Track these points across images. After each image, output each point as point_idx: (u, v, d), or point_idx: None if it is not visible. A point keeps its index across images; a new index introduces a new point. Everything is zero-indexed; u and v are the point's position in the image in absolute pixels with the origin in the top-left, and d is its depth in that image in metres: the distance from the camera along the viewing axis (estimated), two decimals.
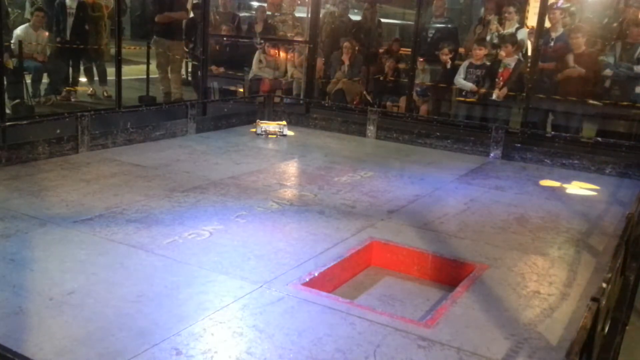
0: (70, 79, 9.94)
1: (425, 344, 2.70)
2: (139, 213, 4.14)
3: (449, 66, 8.68)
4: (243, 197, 4.69)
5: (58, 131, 5.80)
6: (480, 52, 8.26)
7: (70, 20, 9.54)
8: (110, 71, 9.46)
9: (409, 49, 9.47)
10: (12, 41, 8.80)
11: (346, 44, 9.64)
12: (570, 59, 7.92)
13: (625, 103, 7.79)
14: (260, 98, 8.56)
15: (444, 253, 3.75)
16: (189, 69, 11.35)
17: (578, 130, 8.03)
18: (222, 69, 10.68)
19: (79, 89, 9.98)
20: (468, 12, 11.18)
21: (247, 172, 5.42)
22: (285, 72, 10.57)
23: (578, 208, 4.99)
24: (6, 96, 7.20)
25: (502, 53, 8.20)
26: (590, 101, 7.92)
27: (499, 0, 8.83)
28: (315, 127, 7.83)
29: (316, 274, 3.32)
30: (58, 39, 9.52)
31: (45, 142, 5.42)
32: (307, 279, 3.25)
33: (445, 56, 8.70)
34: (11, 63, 8.33)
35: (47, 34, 9.36)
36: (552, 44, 8.10)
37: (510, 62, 8.13)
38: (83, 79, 10.34)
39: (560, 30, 8.11)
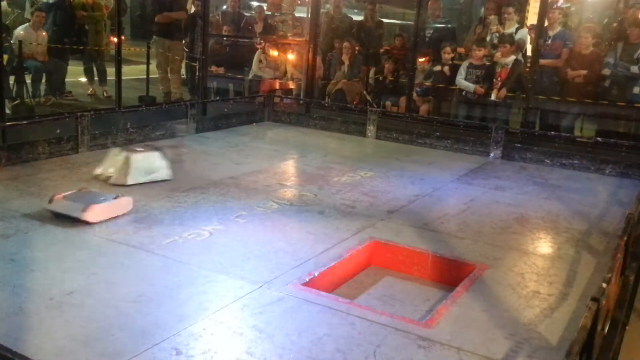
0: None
1: (425, 344, 2.70)
2: (139, 213, 4.14)
3: (447, 71, 8.65)
4: (243, 197, 4.69)
5: (58, 131, 5.80)
6: (479, 52, 8.25)
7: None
8: (110, 71, 9.46)
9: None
10: (12, 41, 8.80)
11: (346, 44, 9.63)
12: (565, 55, 7.95)
13: (623, 103, 7.79)
14: (261, 98, 8.58)
15: (444, 253, 3.76)
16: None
17: (573, 130, 8.04)
18: (221, 69, 10.67)
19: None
20: (468, 12, 11.18)
21: (247, 172, 5.42)
22: (285, 72, 10.57)
23: (578, 208, 4.99)
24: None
25: (498, 54, 8.20)
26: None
27: (499, 0, 8.82)
28: (315, 127, 7.83)
29: (316, 274, 3.32)
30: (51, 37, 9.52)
31: (45, 142, 5.42)
32: (307, 279, 3.25)
33: (448, 55, 8.69)
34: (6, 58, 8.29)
35: (45, 33, 9.36)
36: (549, 41, 8.11)
37: (508, 61, 8.13)
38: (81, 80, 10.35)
39: (558, 28, 8.13)
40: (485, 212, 4.70)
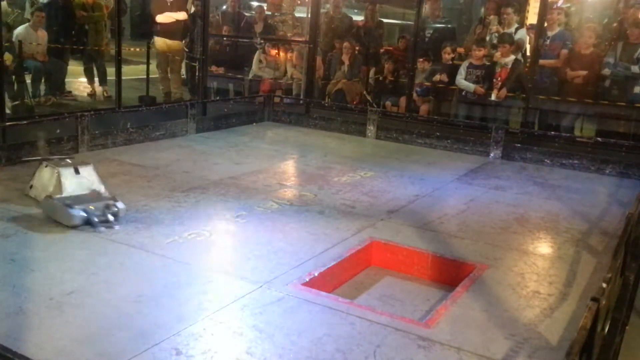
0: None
1: (425, 344, 2.70)
2: (139, 213, 4.14)
3: (445, 77, 8.64)
4: (243, 197, 4.69)
5: (58, 131, 5.81)
6: (479, 52, 8.25)
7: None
8: (110, 71, 9.45)
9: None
10: (13, 40, 8.80)
11: (346, 44, 9.63)
12: (564, 56, 7.96)
13: (623, 103, 7.79)
14: (261, 98, 8.57)
15: (444, 253, 3.76)
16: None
17: (573, 130, 8.04)
18: (221, 69, 10.66)
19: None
20: (468, 12, 11.17)
21: (247, 172, 5.42)
22: (285, 72, 10.57)
23: (578, 208, 4.99)
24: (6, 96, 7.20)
25: (498, 54, 8.20)
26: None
27: (499, 0, 8.82)
28: (315, 127, 7.83)
29: (316, 274, 3.32)
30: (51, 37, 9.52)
31: (45, 142, 5.42)
32: (307, 279, 3.25)
33: (448, 55, 8.69)
34: (10, 58, 8.29)
35: (45, 33, 9.36)
36: (547, 42, 8.12)
37: (508, 61, 8.12)
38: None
39: (557, 29, 8.13)
40: (485, 212, 4.70)
